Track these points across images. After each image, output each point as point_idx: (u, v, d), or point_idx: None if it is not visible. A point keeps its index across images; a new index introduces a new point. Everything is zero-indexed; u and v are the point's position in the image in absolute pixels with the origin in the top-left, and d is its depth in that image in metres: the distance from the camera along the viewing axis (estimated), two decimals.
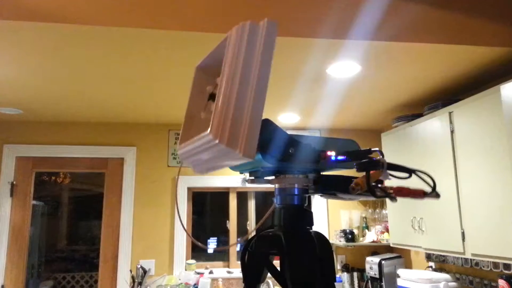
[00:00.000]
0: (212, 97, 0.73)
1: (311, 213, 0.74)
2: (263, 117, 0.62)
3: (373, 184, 0.67)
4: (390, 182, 0.67)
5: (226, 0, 1.95)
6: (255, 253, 0.75)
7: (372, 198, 0.67)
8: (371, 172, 0.63)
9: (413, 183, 0.69)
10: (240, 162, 0.63)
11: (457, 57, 2.29)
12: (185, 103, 3.30)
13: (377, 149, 0.66)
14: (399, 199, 0.65)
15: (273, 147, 0.65)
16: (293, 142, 0.67)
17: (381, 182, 0.67)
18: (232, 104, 0.59)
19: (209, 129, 0.58)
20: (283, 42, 2.04)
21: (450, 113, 2.59)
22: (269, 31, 0.63)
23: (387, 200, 0.73)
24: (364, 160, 0.65)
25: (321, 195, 0.77)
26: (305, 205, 0.75)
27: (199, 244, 0.92)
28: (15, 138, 3.58)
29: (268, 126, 0.65)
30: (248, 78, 0.61)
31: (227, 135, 0.58)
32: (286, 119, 3.62)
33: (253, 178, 0.76)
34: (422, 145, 2.88)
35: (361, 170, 0.64)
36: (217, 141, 0.57)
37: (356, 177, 0.66)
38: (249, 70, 0.62)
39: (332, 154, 0.70)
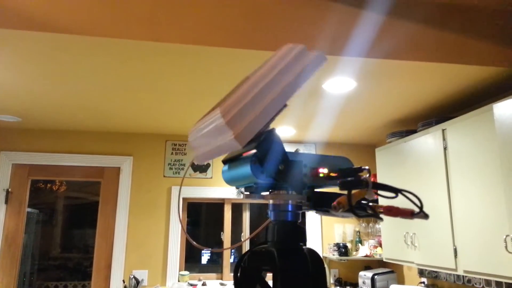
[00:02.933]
0: None
1: (304, 230, 0.75)
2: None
3: (364, 202, 0.67)
4: (381, 201, 0.66)
5: (224, 15, 1.98)
6: (248, 268, 0.74)
7: (370, 217, 0.67)
8: (357, 191, 0.62)
9: (404, 202, 0.70)
10: (229, 147, 0.64)
11: (450, 76, 2.33)
12: (183, 114, 3.27)
13: (367, 167, 0.65)
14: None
15: (265, 161, 0.66)
16: (283, 159, 0.67)
17: (374, 201, 0.67)
18: (251, 94, 0.64)
19: (222, 105, 0.64)
20: None
21: (443, 130, 2.63)
22: (316, 60, 0.69)
23: None
24: (347, 179, 0.64)
25: (315, 212, 0.77)
26: (299, 221, 0.74)
27: (196, 244, 0.92)
28: (12, 145, 3.58)
29: (271, 136, 0.66)
30: (276, 84, 0.66)
31: (231, 115, 0.62)
32: (282, 132, 3.65)
33: (248, 193, 0.76)
34: (416, 161, 2.91)
35: (344, 188, 0.63)
36: (220, 114, 0.61)
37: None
38: (281, 79, 0.66)
39: (323, 171, 0.69)
